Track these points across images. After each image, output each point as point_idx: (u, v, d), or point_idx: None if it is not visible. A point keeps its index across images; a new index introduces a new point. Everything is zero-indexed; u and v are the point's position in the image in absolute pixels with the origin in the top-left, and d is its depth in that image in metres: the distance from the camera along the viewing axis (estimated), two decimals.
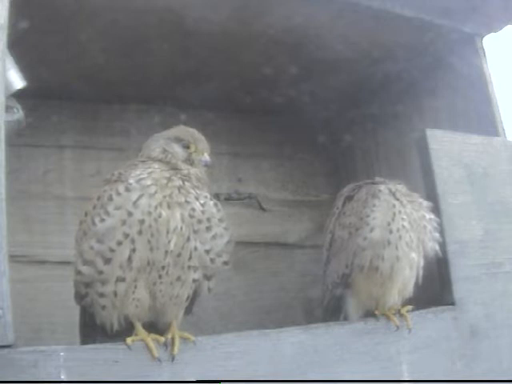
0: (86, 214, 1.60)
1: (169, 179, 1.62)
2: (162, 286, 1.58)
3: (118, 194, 1.54)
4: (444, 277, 2.12)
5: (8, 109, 1.62)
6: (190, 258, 1.58)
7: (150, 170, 1.64)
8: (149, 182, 1.58)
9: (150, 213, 1.53)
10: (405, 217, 1.94)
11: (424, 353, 1.95)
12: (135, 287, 1.56)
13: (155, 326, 1.65)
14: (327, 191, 3.17)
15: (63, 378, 1.38)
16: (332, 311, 2.06)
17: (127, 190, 1.55)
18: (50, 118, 2.58)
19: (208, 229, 1.60)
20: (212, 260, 1.61)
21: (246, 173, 3.05)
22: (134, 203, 1.52)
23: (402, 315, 1.96)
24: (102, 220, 1.52)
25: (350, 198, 2.08)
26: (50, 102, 2.57)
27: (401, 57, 2.57)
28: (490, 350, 2.11)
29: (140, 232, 1.51)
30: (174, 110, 2.77)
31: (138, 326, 1.58)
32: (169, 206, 1.56)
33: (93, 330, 1.69)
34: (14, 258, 1.62)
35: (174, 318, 1.64)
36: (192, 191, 1.63)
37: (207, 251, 1.60)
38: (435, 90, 2.69)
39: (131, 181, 1.58)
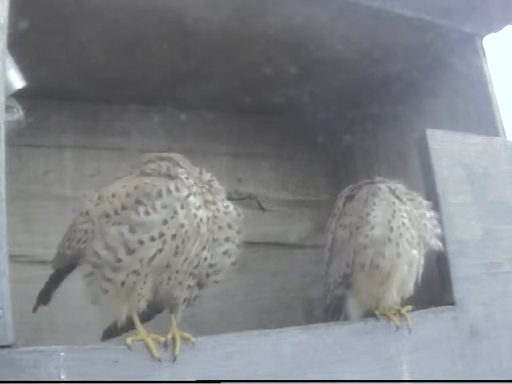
0: (113, 195, 1.57)
1: (200, 173, 1.66)
2: (167, 287, 1.59)
3: (169, 192, 1.52)
4: (444, 277, 2.12)
5: (8, 109, 1.62)
6: (197, 266, 1.59)
7: (183, 163, 1.67)
8: (192, 181, 1.59)
9: (195, 215, 1.53)
10: (405, 214, 1.94)
11: (424, 353, 1.95)
12: (144, 283, 1.55)
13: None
14: (327, 191, 3.17)
15: (63, 378, 1.37)
16: (333, 312, 2.06)
17: (177, 189, 1.53)
18: (49, 117, 2.58)
19: (226, 240, 1.61)
20: (207, 275, 1.63)
21: (245, 173, 3.05)
22: (184, 200, 1.52)
23: (401, 315, 1.96)
24: (147, 213, 1.49)
25: (350, 198, 2.09)
26: (50, 102, 2.57)
27: (401, 57, 2.57)
28: (490, 350, 2.11)
29: (174, 236, 1.50)
30: (174, 110, 2.77)
31: (139, 326, 1.58)
32: (201, 206, 1.56)
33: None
34: (13, 258, 1.62)
35: (170, 314, 1.64)
36: (219, 191, 1.66)
37: (211, 265, 1.61)
38: (435, 90, 2.69)
39: (182, 177, 1.58)
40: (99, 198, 1.61)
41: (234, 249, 1.64)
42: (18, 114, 1.73)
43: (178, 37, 2.27)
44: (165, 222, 1.49)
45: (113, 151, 2.73)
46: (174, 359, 1.52)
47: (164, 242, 1.50)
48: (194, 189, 1.58)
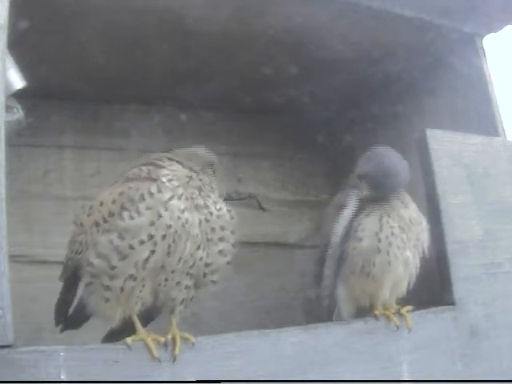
0: (101, 204, 1.59)
1: (190, 178, 1.64)
2: (165, 288, 1.59)
3: (151, 194, 1.53)
4: (444, 277, 2.12)
5: (8, 109, 1.62)
6: (193, 265, 1.59)
7: (173, 167, 1.66)
8: (176, 183, 1.59)
9: (179, 218, 1.53)
10: (394, 224, 1.97)
11: (424, 353, 1.95)
12: (143, 286, 1.56)
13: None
14: (327, 191, 3.16)
15: (63, 377, 1.38)
16: (329, 309, 2.08)
17: (159, 190, 1.54)
18: (49, 117, 2.58)
19: (220, 240, 1.62)
20: (204, 275, 1.63)
21: (245, 173, 3.04)
22: (166, 203, 1.52)
23: (401, 315, 1.97)
24: (132, 217, 1.50)
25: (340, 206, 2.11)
26: (50, 101, 2.56)
27: (401, 57, 2.57)
28: (490, 350, 2.11)
29: (164, 237, 1.51)
30: (174, 110, 2.77)
31: (139, 326, 1.58)
32: (191, 210, 1.57)
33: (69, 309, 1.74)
34: (13, 258, 1.62)
35: (170, 314, 1.65)
36: (211, 194, 1.65)
37: (207, 264, 1.62)
38: (435, 90, 2.69)
39: (164, 179, 1.58)
40: (90, 208, 1.63)
41: (230, 248, 1.65)
42: (18, 114, 1.73)
43: (178, 37, 2.27)
44: (152, 224, 1.50)
45: (113, 151, 2.73)
46: (174, 359, 1.52)
47: (155, 244, 1.50)
48: (179, 191, 1.57)
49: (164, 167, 1.66)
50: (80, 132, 2.71)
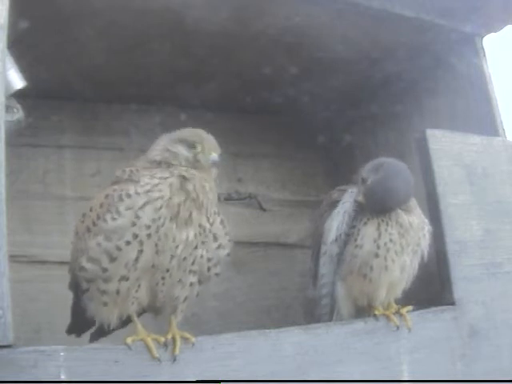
0: (90, 210, 1.60)
1: (180, 182, 1.61)
2: (164, 287, 1.60)
3: (129, 195, 1.54)
4: (444, 277, 2.12)
5: (8, 109, 1.62)
6: (194, 263, 1.61)
7: (156, 171, 1.63)
8: (157, 195, 1.56)
9: (154, 220, 1.53)
10: (393, 231, 1.97)
11: (424, 353, 1.95)
12: (138, 286, 1.57)
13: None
14: (327, 191, 3.15)
15: (63, 377, 1.38)
16: (329, 309, 2.09)
17: (136, 193, 1.55)
18: (49, 118, 2.58)
19: (215, 239, 1.64)
20: (209, 268, 1.65)
21: (246, 173, 3.04)
22: (141, 208, 1.53)
23: (401, 315, 1.97)
24: (114, 219, 1.52)
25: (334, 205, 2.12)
26: (50, 102, 2.56)
27: (401, 57, 2.57)
28: (490, 350, 2.12)
29: (149, 235, 1.52)
30: (174, 110, 2.76)
31: (139, 326, 1.58)
32: (177, 221, 1.56)
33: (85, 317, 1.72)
34: (13, 258, 1.62)
35: (171, 315, 1.64)
36: (207, 203, 1.63)
37: (209, 259, 1.64)
38: (435, 90, 2.69)
39: (146, 180, 1.58)
40: (84, 215, 1.64)
41: (226, 242, 1.68)
42: (18, 114, 1.73)
43: (178, 37, 2.27)
44: (133, 224, 1.51)
45: (113, 151, 2.73)
46: (174, 359, 1.52)
47: (141, 243, 1.51)
48: (162, 192, 1.56)
49: (149, 169, 1.64)
50: (80, 132, 2.71)
